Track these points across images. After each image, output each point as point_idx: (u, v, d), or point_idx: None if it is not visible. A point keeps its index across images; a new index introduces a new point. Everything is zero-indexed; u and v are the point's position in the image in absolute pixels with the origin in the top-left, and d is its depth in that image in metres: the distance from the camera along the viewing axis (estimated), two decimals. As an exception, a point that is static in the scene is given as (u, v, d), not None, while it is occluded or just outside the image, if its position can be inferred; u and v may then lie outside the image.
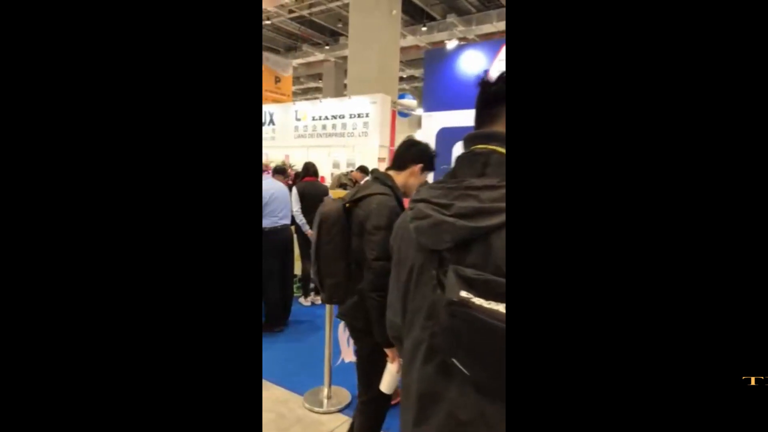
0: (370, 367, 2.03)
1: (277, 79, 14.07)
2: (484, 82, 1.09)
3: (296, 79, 19.62)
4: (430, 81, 7.33)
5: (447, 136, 6.96)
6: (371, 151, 9.58)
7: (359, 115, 9.87)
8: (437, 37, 14.35)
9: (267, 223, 3.77)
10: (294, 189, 4.25)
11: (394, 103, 10.20)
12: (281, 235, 3.83)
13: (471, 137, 1.09)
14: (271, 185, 3.85)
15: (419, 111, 15.46)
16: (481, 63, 6.68)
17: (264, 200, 3.77)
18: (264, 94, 13.68)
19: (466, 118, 6.78)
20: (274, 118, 11.75)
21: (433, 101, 7.21)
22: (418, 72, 18.30)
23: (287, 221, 3.92)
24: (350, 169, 8.71)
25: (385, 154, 9.60)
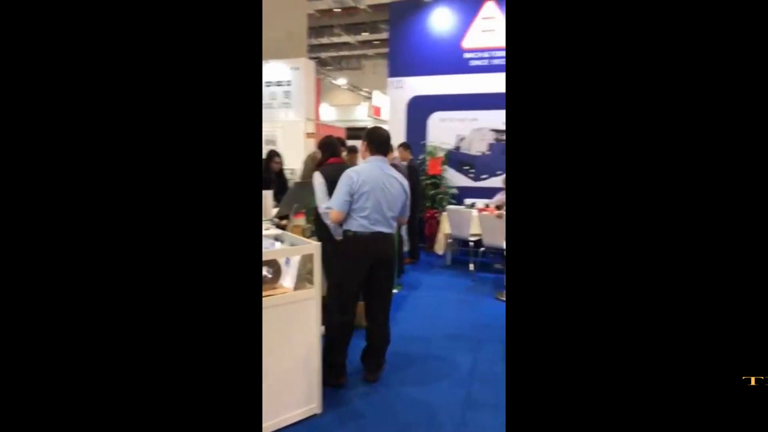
0: None
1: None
2: None
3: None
4: (398, 40, 5.97)
5: (421, 105, 6.00)
6: (296, 125, 8.07)
7: (278, 83, 8.21)
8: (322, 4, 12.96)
9: (355, 224, 2.33)
10: (318, 176, 2.81)
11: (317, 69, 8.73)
12: (369, 244, 2.37)
13: None
14: (374, 172, 2.37)
15: (341, 81, 13.92)
16: (457, 19, 5.77)
17: (353, 190, 2.29)
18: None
19: (440, 84, 5.89)
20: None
21: (402, 65, 5.92)
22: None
23: (385, 227, 2.38)
24: (270, 147, 7.08)
25: (313, 128, 8.17)
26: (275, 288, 2.08)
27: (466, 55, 5.66)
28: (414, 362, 2.78)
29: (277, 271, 2.09)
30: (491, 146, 5.70)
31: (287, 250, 2.05)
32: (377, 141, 2.49)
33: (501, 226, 4.05)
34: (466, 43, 5.64)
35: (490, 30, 5.52)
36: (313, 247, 2.08)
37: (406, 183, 2.52)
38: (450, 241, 4.98)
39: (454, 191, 5.69)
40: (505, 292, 4.02)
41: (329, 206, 2.39)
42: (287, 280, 2.13)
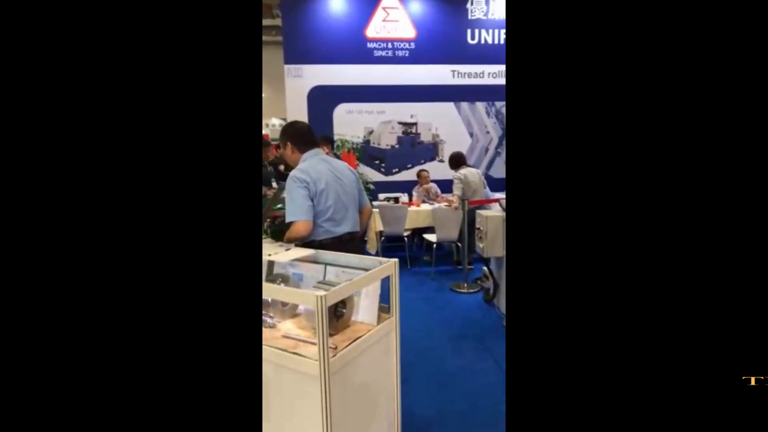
0: None
1: None
2: None
3: None
4: (294, 24, 5.26)
5: (324, 95, 5.45)
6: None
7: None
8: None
9: (319, 232, 1.91)
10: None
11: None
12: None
13: None
14: (320, 167, 1.97)
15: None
16: (357, 6, 5.37)
17: (311, 192, 1.84)
18: None
19: (344, 74, 5.48)
20: None
21: (300, 51, 5.27)
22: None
23: (348, 227, 2.01)
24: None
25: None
26: (349, 326, 1.54)
27: (370, 45, 5.39)
28: (446, 384, 2.47)
29: (348, 305, 1.54)
30: (400, 139, 5.59)
31: (366, 278, 1.52)
32: (301, 137, 2.05)
33: (455, 219, 3.97)
34: (370, 32, 5.37)
35: (393, 21, 5.36)
36: (392, 265, 1.60)
37: (350, 167, 2.18)
38: (383, 238, 4.71)
39: (371, 186, 5.41)
40: (461, 283, 3.97)
41: (289, 220, 1.88)
42: (362, 313, 1.60)
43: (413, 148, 5.62)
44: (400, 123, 5.57)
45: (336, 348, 1.36)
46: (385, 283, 1.64)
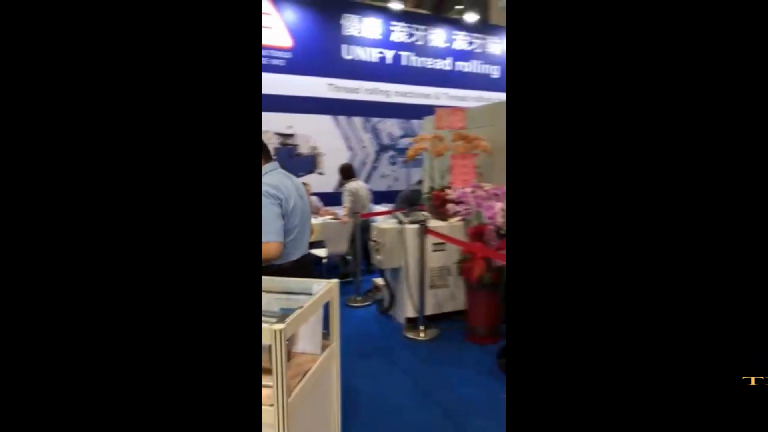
0: None
1: None
2: None
3: None
4: None
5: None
6: None
7: None
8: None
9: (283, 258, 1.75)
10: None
11: None
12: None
13: None
14: (286, 182, 1.82)
15: None
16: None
17: (284, 210, 1.71)
18: None
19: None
20: None
21: None
22: None
23: (304, 249, 1.92)
24: None
25: None
26: (291, 358, 1.36)
27: (242, 50, 5.02)
28: (361, 405, 2.38)
29: (292, 336, 1.37)
30: (277, 151, 5.32)
31: (314, 304, 1.36)
32: (264, 146, 1.95)
33: (345, 232, 3.90)
34: (242, 36, 5.01)
35: (267, 27, 5.09)
36: (334, 287, 1.48)
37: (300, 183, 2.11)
38: (266, 256, 4.38)
39: (248, 200, 4.99)
40: (354, 297, 3.92)
41: (265, 240, 1.70)
42: (304, 342, 1.43)
43: (291, 159, 5.41)
44: (276, 134, 5.31)
45: (288, 387, 1.18)
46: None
